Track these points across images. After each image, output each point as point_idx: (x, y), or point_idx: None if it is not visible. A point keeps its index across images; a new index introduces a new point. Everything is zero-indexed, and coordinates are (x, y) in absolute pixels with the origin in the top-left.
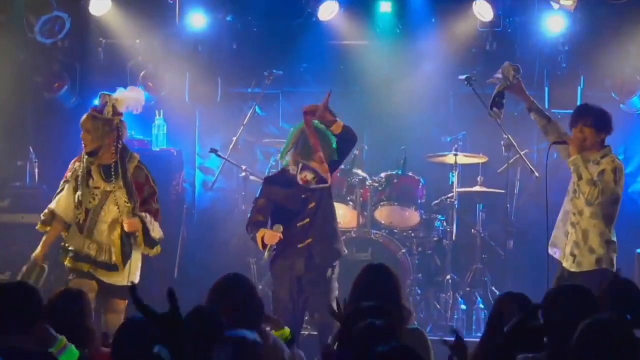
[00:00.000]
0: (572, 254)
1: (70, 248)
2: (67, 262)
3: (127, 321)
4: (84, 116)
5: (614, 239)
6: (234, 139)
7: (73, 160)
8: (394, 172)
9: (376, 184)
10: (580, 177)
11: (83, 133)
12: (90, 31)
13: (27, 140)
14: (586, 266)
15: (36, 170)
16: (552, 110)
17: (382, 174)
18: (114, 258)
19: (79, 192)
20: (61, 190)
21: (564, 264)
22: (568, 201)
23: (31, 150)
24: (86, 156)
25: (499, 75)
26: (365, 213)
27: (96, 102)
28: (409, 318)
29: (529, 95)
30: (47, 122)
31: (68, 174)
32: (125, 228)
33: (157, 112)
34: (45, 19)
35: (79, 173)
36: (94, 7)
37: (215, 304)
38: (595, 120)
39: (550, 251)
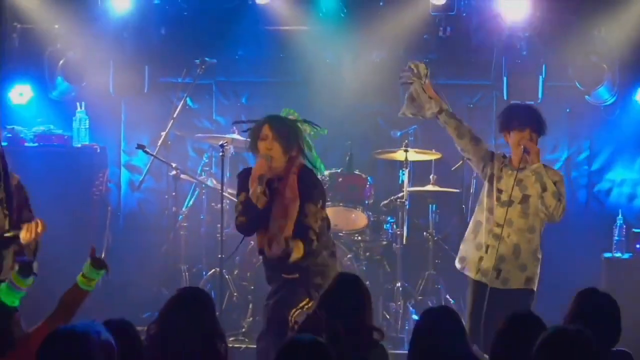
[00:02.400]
0: (497, 269)
1: None
2: None
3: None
4: None
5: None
6: (163, 134)
7: None
8: (339, 170)
9: None
10: (545, 189)
11: None
12: (2, 16)
13: None
14: (514, 284)
15: None
16: (512, 101)
17: (326, 172)
18: None
19: None
20: None
21: (480, 279)
22: (483, 210)
23: None
24: None
25: (408, 73)
26: None
27: None
28: (379, 339)
29: (437, 95)
30: None
31: None
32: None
33: (78, 104)
34: None
35: None
36: None
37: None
38: (539, 125)
39: (458, 266)
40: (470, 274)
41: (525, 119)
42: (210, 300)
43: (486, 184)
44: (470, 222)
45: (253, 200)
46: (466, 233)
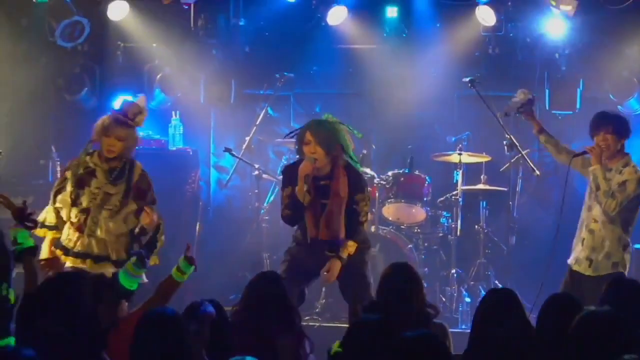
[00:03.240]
0: (589, 259)
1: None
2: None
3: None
4: (115, 124)
5: (630, 242)
6: (247, 138)
7: (70, 161)
8: (401, 171)
9: (384, 182)
10: (598, 188)
11: (112, 140)
12: (109, 35)
13: (49, 139)
14: (603, 270)
15: (57, 169)
16: (553, 112)
17: (390, 173)
18: (114, 256)
19: (78, 192)
20: (59, 189)
21: (577, 268)
22: (585, 210)
23: (53, 149)
24: (91, 158)
25: (517, 99)
26: (374, 210)
27: (122, 107)
28: (434, 314)
29: (538, 120)
30: (68, 122)
31: (66, 172)
32: (142, 218)
33: (173, 113)
34: (66, 23)
35: (81, 172)
36: (112, 12)
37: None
38: (615, 127)
39: (568, 260)
40: (570, 263)
41: (597, 124)
42: (282, 281)
43: (588, 186)
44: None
45: (299, 197)
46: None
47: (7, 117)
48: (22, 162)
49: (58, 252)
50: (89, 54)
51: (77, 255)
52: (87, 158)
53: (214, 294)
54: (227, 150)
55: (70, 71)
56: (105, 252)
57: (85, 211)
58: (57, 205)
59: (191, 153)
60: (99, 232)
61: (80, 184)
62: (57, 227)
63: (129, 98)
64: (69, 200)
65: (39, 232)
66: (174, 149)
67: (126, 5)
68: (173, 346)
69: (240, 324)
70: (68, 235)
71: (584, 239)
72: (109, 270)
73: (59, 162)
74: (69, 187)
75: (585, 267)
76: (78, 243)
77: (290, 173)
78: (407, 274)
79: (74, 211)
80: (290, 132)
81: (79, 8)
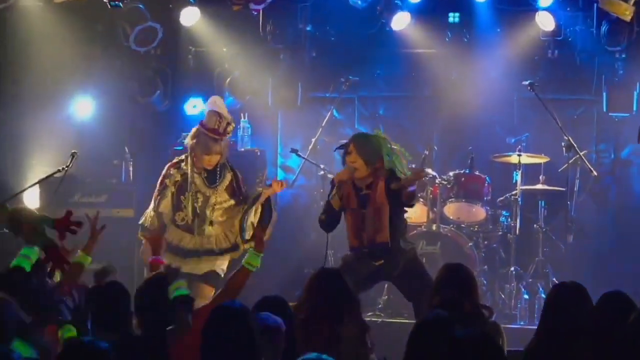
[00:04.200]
0: None
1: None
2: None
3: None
4: (214, 143)
5: None
6: (313, 140)
7: (167, 167)
8: (462, 171)
9: (445, 182)
10: None
11: (213, 156)
12: (180, 40)
13: (122, 140)
14: None
15: (130, 169)
16: (610, 114)
17: (451, 173)
18: (232, 241)
19: (182, 196)
20: (160, 196)
21: None
22: None
23: (126, 150)
24: (185, 164)
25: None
26: (435, 209)
27: (210, 121)
28: (488, 315)
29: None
30: (141, 124)
31: (166, 180)
32: (274, 186)
33: (242, 115)
34: (140, 28)
35: (178, 179)
36: (184, 18)
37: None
38: None
39: None
40: None
41: None
42: (343, 275)
43: None
44: None
45: (331, 203)
46: None
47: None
48: (97, 162)
49: (168, 253)
50: (162, 58)
51: (187, 253)
52: (183, 165)
53: (279, 290)
54: (294, 151)
55: (144, 75)
56: (216, 244)
57: (192, 213)
58: (161, 210)
59: (259, 154)
60: (207, 229)
61: (181, 189)
62: (158, 230)
63: (203, 104)
64: (171, 205)
65: (141, 235)
66: (243, 149)
67: (197, 11)
68: (244, 339)
69: (304, 318)
70: (176, 236)
71: None
72: (218, 262)
73: (131, 162)
74: (169, 193)
75: None
76: (188, 242)
77: (333, 181)
78: (459, 275)
79: (180, 215)
80: (340, 145)
81: (152, 14)
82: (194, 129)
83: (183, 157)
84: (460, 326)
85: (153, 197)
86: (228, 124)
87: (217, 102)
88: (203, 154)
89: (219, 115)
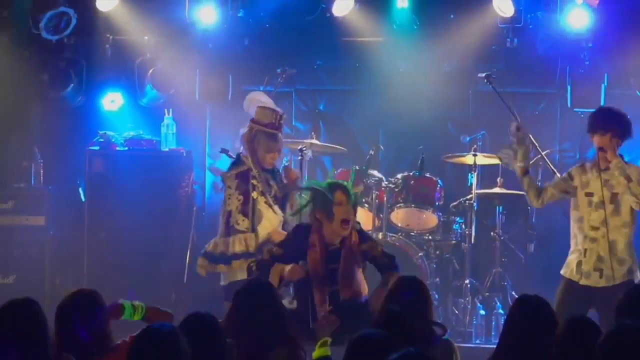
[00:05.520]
0: (598, 269)
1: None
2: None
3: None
4: (276, 140)
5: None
6: None
7: (236, 175)
8: (411, 173)
9: (392, 186)
10: (629, 179)
11: (276, 154)
12: (97, 27)
13: (32, 140)
14: (618, 279)
15: (41, 171)
16: (575, 110)
17: (399, 175)
18: None
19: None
20: (253, 211)
21: (585, 282)
22: (575, 223)
23: (36, 150)
24: (258, 170)
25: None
26: (381, 215)
27: (271, 116)
28: (441, 332)
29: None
30: (53, 121)
31: (253, 193)
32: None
33: (166, 110)
34: (51, 14)
35: (257, 184)
36: (101, 3)
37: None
38: (621, 130)
39: (562, 272)
40: (571, 276)
41: (606, 124)
42: (272, 288)
43: (572, 200)
44: (571, 238)
45: (288, 274)
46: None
47: None
48: (3, 164)
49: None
50: (76, 48)
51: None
52: (259, 171)
53: (205, 305)
54: (224, 151)
55: (56, 66)
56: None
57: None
58: (259, 231)
59: (185, 154)
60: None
61: (248, 196)
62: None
63: (122, 99)
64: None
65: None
66: (167, 149)
67: None
68: None
69: (232, 336)
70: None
71: (585, 249)
72: None
73: (42, 164)
74: (263, 207)
75: (596, 279)
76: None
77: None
78: (415, 289)
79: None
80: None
81: None
82: (245, 131)
83: (244, 165)
84: (407, 346)
85: (239, 219)
86: (281, 116)
87: (261, 98)
88: (266, 153)
89: (272, 109)
